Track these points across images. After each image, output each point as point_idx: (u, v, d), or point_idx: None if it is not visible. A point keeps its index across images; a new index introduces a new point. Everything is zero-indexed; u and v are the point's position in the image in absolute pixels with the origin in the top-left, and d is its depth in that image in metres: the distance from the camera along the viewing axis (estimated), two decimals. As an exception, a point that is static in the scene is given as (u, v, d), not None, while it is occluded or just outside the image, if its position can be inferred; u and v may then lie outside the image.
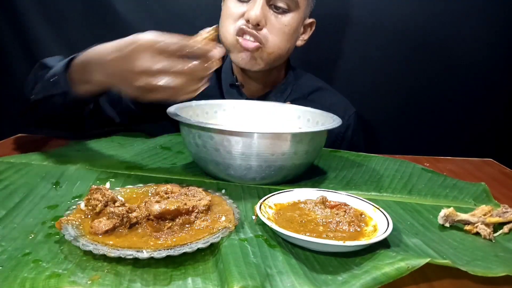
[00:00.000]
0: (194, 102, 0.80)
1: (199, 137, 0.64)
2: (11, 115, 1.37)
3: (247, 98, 0.98)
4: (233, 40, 0.89)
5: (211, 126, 0.62)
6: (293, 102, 0.92)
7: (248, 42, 0.87)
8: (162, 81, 0.54)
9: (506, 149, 1.30)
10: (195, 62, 0.55)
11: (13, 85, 1.34)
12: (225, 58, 1.01)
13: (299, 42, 0.97)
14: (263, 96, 0.99)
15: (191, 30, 1.34)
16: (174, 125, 0.70)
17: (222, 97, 1.00)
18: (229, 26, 0.89)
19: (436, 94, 1.31)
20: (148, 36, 0.55)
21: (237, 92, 1.00)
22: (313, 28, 0.98)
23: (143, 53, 0.54)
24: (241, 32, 0.87)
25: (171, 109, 0.71)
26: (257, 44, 0.87)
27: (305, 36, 0.98)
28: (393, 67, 1.29)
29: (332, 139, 0.97)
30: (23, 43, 1.29)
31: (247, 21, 0.86)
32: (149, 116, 0.96)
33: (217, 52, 0.56)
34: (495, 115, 1.32)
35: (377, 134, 1.36)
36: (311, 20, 0.97)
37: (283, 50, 0.91)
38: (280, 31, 0.88)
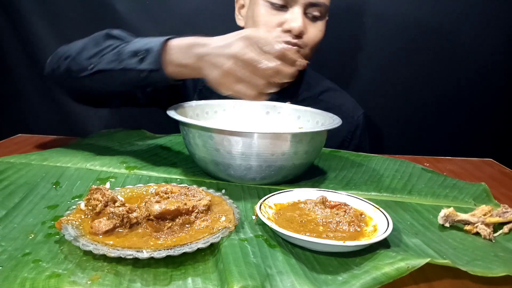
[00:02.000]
0: (194, 102, 0.80)
1: (199, 137, 0.64)
2: (11, 115, 1.37)
3: None
4: None
5: (211, 126, 0.62)
6: (304, 101, 0.93)
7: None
8: (253, 73, 0.60)
9: (506, 149, 1.30)
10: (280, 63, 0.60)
11: (13, 85, 1.34)
12: None
13: None
14: (277, 93, 1.00)
15: (191, 30, 1.34)
16: (175, 125, 0.70)
17: None
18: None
19: (436, 94, 1.31)
20: (253, 31, 0.62)
21: None
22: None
23: (244, 40, 0.60)
24: (285, 42, 0.88)
25: (171, 110, 0.71)
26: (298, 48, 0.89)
27: None
28: (393, 68, 1.29)
29: (342, 138, 0.98)
30: (23, 43, 1.29)
31: (288, 31, 0.86)
32: (170, 100, 0.96)
33: (303, 63, 0.63)
34: (495, 115, 1.32)
35: (377, 134, 1.36)
36: (326, 18, 0.98)
37: (311, 57, 0.93)
38: (316, 38, 0.90)
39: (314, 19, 0.89)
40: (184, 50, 0.66)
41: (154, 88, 0.90)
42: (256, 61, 0.59)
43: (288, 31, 0.86)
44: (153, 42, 0.68)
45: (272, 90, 0.63)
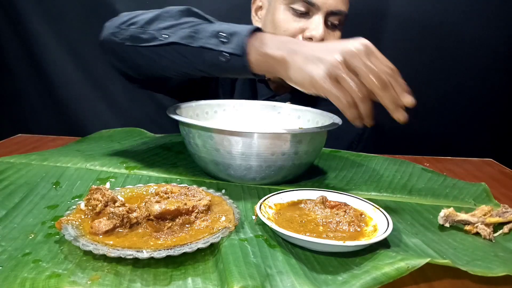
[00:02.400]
0: (194, 102, 0.80)
1: (199, 137, 0.64)
2: (11, 115, 1.37)
3: (274, 93, 0.99)
4: None
5: (211, 126, 0.62)
6: (314, 98, 0.92)
7: None
8: (351, 83, 0.53)
9: (506, 149, 1.30)
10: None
11: (13, 85, 1.34)
12: None
13: None
14: (289, 92, 1.00)
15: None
16: (175, 125, 0.70)
17: (254, 88, 1.01)
18: None
19: (436, 94, 1.31)
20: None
21: (265, 86, 1.00)
22: None
23: (360, 45, 0.57)
24: None
25: (171, 110, 0.71)
26: None
27: None
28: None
29: (350, 141, 0.98)
30: (23, 43, 1.29)
31: (309, 39, 0.86)
32: (194, 90, 0.95)
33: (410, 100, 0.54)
34: (495, 115, 1.32)
35: (377, 134, 1.35)
36: None
37: None
38: None
39: (333, 27, 0.89)
40: (277, 42, 0.62)
41: (221, 74, 0.79)
42: (364, 72, 0.53)
43: (309, 39, 0.86)
44: (239, 27, 0.64)
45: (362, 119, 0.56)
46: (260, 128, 0.63)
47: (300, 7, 0.85)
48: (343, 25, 0.91)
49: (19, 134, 0.98)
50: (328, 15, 0.86)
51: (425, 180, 0.73)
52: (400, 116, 0.54)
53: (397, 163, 0.81)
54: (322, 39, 0.86)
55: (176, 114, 0.68)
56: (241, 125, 0.79)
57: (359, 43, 0.56)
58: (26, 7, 1.26)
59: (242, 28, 0.63)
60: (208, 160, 0.66)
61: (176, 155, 0.81)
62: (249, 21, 0.99)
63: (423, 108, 1.32)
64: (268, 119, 0.85)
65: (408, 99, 0.54)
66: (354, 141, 0.99)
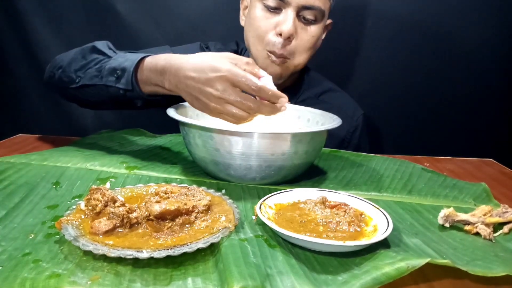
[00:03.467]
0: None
1: (199, 137, 0.64)
2: (11, 115, 1.37)
3: None
4: (263, 53, 0.89)
5: (211, 126, 0.62)
6: (304, 101, 0.92)
7: (278, 60, 0.88)
8: (233, 110, 0.60)
9: (506, 149, 1.30)
10: (264, 102, 0.60)
11: (13, 85, 1.34)
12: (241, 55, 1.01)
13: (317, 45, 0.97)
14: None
15: (191, 30, 1.34)
16: (175, 125, 0.71)
17: None
18: (258, 37, 0.88)
19: (436, 94, 1.31)
20: (228, 66, 0.59)
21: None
22: (330, 28, 0.98)
23: (223, 82, 0.58)
24: (272, 48, 0.87)
25: (171, 110, 0.71)
26: (284, 59, 0.88)
27: (322, 37, 0.97)
28: (393, 68, 1.29)
29: (340, 139, 0.98)
30: (23, 43, 1.29)
31: (279, 34, 0.85)
32: (168, 104, 0.97)
33: (285, 101, 0.61)
34: (495, 115, 1.32)
35: (378, 134, 1.36)
36: (329, 21, 0.96)
37: (306, 60, 0.92)
38: (308, 43, 0.89)
39: (308, 23, 0.87)
40: (156, 72, 0.67)
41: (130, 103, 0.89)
42: (240, 102, 0.59)
43: (279, 34, 0.85)
44: (129, 61, 0.70)
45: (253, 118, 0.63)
46: (260, 128, 0.63)
47: (271, 2, 0.85)
48: (323, 20, 0.89)
49: (19, 134, 0.98)
50: (301, 9, 0.85)
51: (425, 180, 0.73)
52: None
53: (397, 163, 0.81)
54: (291, 35, 0.85)
55: (176, 114, 0.68)
56: (241, 125, 0.78)
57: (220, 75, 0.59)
58: (26, 7, 1.26)
59: (131, 62, 0.69)
60: (208, 160, 0.66)
61: (176, 155, 0.81)
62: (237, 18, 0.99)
63: (423, 108, 1.32)
64: (268, 119, 0.84)
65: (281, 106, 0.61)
66: (345, 140, 0.99)
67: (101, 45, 0.79)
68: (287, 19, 0.84)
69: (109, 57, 0.75)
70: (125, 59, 0.72)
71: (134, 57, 0.71)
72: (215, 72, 0.59)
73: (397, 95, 1.32)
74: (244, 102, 0.59)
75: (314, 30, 0.88)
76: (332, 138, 0.88)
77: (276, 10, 0.86)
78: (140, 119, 1.28)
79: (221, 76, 0.58)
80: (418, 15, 1.25)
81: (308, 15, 0.86)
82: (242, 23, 0.98)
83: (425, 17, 1.25)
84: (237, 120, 0.61)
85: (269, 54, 0.88)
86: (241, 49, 1.04)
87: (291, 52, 0.88)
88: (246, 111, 0.60)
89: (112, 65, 0.72)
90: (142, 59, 0.70)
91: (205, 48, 1.02)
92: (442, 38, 1.26)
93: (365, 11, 1.26)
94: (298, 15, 0.86)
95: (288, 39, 0.86)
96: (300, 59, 0.90)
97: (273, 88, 0.60)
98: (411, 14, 1.25)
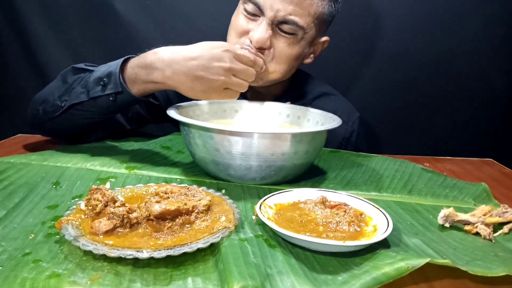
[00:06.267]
0: (194, 103, 0.80)
1: (199, 137, 0.64)
2: (11, 115, 1.37)
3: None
4: None
5: (211, 126, 0.62)
6: None
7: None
8: (239, 80, 0.68)
9: (506, 149, 1.30)
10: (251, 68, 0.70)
11: (13, 85, 1.34)
12: None
13: (308, 60, 0.93)
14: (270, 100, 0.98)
15: (191, 30, 1.34)
16: (175, 126, 0.71)
17: None
18: (233, 40, 0.87)
19: (436, 94, 1.31)
20: (224, 43, 0.69)
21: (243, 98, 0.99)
22: (326, 45, 0.94)
23: (229, 54, 0.66)
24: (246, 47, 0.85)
25: (171, 110, 0.71)
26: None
27: (316, 54, 0.94)
28: (393, 67, 1.29)
29: (337, 144, 0.97)
30: (23, 43, 1.29)
31: (251, 41, 0.83)
32: (155, 119, 0.97)
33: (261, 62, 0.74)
34: (495, 115, 1.32)
35: (377, 134, 1.36)
36: (324, 38, 0.92)
37: (285, 72, 0.88)
38: (284, 55, 0.85)
39: (286, 36, 0.83)
40: (147, 68, 0.68)
41: (127, 109, 0.90)
42: (241, 70, 0.67)
43: (251, 41, 0.83)
44: (112, 65, 0.71)
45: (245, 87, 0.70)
46: (260, 128, 0.63)
47: (250, 8, 0.83)
48: (305, 36, 0.85)
49: (19, 134, 0.98)
50: (278, 23, 0.82)
51: (425, 180, 0.73)
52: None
53: (397, 163, 0.81)
54: (261, 44, 0.81)
55: (176, 114, 0.68)
56: (241, 125, 0.79)
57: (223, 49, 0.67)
58: (26, 7, 1.26)
59: (114, 66, 0.70)
60: (208, 160, 0.66)
61: (176, 155, 0.81)
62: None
63: (423, 108, 1.32)
64: (268, 119, 0.85)
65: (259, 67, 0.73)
66: (342, 145, 0.98)
67: (80, 65, 0.80)
68: (258, 27, 0.82)
69: (91, 71, 0.75)
70: (107, 66, 0.72)
71: (117, 61, 0.71)
72: (218, 48, 0.66)
73: (398, 94, 1.32)
74: (249, 69, 0.67)
75: (291, 42, 0.84)
76: (329, 143, 0.87)
77: (254, 16, 0.84)
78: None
79: (226, 50, 0.66)
80: (418, 15, 1.25)
81: (287, 29, 0.83)
82: None
83: (425, 17, 1.25)
84: (242, 89, 0.67)
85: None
86: None
87: (267, 57, 0.84)
88: (247, 79, 0.67)
89: (96, 75, 0.72)
90: (127, 59, 0.71)
91: None
92: (442, 38, 1.26)
93: (365, 11, 1.26)
94: (275, 25, 0.83)
95: (261, 48, 0.83)
96: (274, 69, 0.86)
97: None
98: (411, 14, 1.25)
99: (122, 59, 0.71)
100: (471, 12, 1.23)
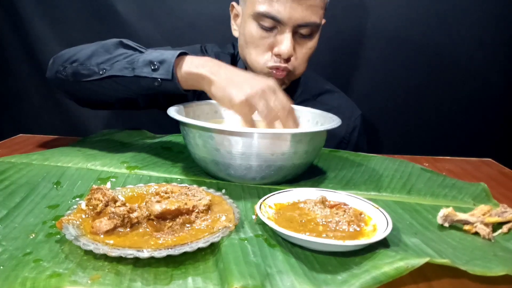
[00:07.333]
0: (194, 103, 0.80)
1: (199, 137, 0.64)
2: (12, 115, 1.38)
3: None
4: (264, 70, 0.89)
5: (211, 126, 0.62)
6: (302, 103, 0.93)
7: (282, 73, 0.88)
8: (271, 103, 0.66)
9: (506, 149, 1.30)
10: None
11: (14, 85, 1.34)
12: (236, 62, 1.01)
13: None
14: None
15: (191, 30, 1.34)
16: (175, 125, 0.71)
17: None
18: (258, 57, 0.88)
19: (435, 94, 1.31)
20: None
21: None
22: (324, 23, 0.97)
23: (273, 83, 0.67)
24: (274, 68, 0.87)
25: (171, 110, 0.71)
26: (288, 71, 0.89)
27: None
28: (393, 68, 1.29)
29: (338, 140, 0.98)
30: (23, 43, 1.30)
31: (278, 55, 0.85)
32: (166, 106, 0.98)
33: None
34: (495, 115, 1.32)
35: (376, 134, 1.36)
36: (324, 21, 0.94)
37: (305, 67, 0.92)
38: (306, 55, 0.89)
39: (305, 38, 0.87)
40: (200, 62, 0.69)
41: (163, 95, 0.91)
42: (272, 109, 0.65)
43: (278, 55, 0.85)
44: (168, 54, 0.71)
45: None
46: (260, 128, 0.64)
47: (267, 23, 0.84)
48: (319, 31, 0.89)
49: (20, 134, 0.98)
50: (297, 28, 0.84)
51: (425, 180, 0.74)
52: None
53: (396, 163, 0.81)
54: (290, 55, 0.85)
55: (176, 114, 0.68)
56: (241, 125, 0.78)
57: (267, 85, 0.66)
58: (26, 8, 1.26)
59: (170, 56, 0.71)
60: (208, 160, 0.66)
61: (176, 155, 0.82)
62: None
63: (423, 108, 1.33)
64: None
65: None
66: (343, 141, 0.99)
67: (128, 41, 0.79)
68: (283, 40, 0.84)
69: (141, 52, 0.75)
70: (160, 53, 0.72)
71: (171, 52, 0.72)
72: (266, 80, 0.68)
73: (397, 94, 1.32)
74: (283, 105, 0.66)
75: (311, 43, 0.89)
76: (331, 139, 0.88)
77: (271, 29, 0.85)
78: (140, 119, 1.28)
79: (272, 81, 0.67)
80: (417, 15, 1.25)
81: (304, 31, 0.86)
82: (235, 33, 0.97)
83: (424, 17, 1.25)
84: (269, 112, 0.65)
85: (271, 70, 0.88)
86: (237, 52, 1.03)
87: (293, 65, 0.88)
88: (276, 112, 0.65)
89: (147, 58, 0.71)
90: (182, 53, 0.71)
91: (204, 51, 1.01)
92: (442, 38, 1.26)
93: (365, 11, 1.26)
94: (295, 32, 0.85)
95: (288, 59, 0.86)
96: (301, 69, 0.91)
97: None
98: (411, 14, 1.25)
99: (178, 52, 0.71)
100: (472, 12, 1.23)
